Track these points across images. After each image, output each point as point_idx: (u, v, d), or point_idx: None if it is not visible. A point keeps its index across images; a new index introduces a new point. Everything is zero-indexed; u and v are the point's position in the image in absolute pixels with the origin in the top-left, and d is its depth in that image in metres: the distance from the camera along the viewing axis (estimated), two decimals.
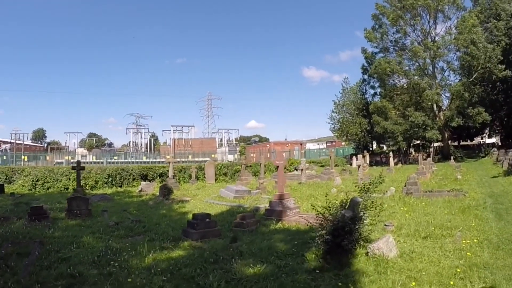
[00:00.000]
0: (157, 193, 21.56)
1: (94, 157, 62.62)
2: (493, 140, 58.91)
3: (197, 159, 53.75)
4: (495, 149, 39.13)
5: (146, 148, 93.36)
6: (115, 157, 62.02)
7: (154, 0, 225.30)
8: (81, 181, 25.16)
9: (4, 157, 53.97)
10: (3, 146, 76.96)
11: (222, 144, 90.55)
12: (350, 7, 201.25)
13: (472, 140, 58.17)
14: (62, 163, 48.22)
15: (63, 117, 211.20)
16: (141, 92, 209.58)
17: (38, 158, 56.19)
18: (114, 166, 32.20)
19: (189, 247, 9.08)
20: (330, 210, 8.15)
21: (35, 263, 7.37)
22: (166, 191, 20.41)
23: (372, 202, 9.05)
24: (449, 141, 46.56)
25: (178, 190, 23.94)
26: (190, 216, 12.64)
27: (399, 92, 44.01)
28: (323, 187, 21.51)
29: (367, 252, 7.36)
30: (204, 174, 31.09)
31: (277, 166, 14.93)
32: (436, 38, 41.22)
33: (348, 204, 8.38)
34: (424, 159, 33.70)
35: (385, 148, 52.15)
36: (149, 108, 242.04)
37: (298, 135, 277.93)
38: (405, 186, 16.22)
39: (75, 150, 79.13)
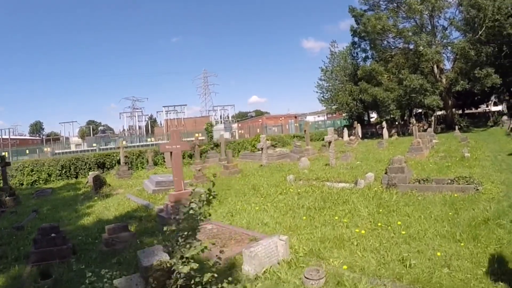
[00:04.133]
0: None
1: (94, 145, 58.04)
2: (498, 108, 51.32)
3: (189, 139, 48.15)
4: (506, 118, 32.75)
5: (146, 131, 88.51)
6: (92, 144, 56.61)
7: None
8: (35, 175, 23.97)
9: None
10: None
11: (219, 122, 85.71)
12: None
13: (477, 108, 50.83)
14: (60, 154, 44.33)
15: (64, 108, 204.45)
16: (138, 75, 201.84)
17: (34, 151, 50.92)
18: (69, 156, 27.50)
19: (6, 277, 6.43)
20: None
21: None
22: (98, 183, 16.31)
23: None
24: (453, 109, 39.44)
25: (128, 179, 20.33)
26: (86, 220, 10.85)
27: (393, 54, 36.52)
28: (284, 171, 15.81)
29: None
30: (164, 158, 25.64)
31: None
32: None
33: None
34: (424, 130, 27.83)
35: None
36: (147, 90, 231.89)
37: (301, 108, 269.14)
38: (385, 173, 10.41)
39: (67, 139, 74.23)
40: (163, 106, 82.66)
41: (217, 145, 27.49)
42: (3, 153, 47.00)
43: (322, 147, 23.55)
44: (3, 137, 68.69)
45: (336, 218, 7.60)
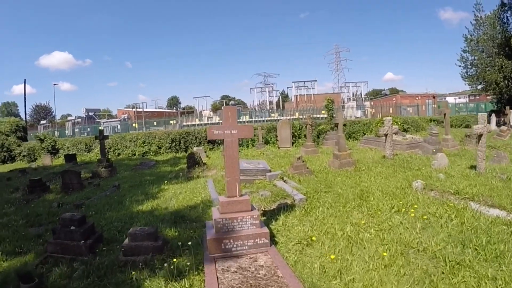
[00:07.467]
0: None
1: (218, 118, 59.11)
2: None
3: (317, 116, 44.56)
4: None
5: (276, 106, 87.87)
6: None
7: None
8: (146, 146, 24.35)
9: (119, 127, 52.36)
10: (122, 116, 77.43)
11: (351, 99, 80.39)
12: None
13: None
14: (194, 125, 46.63)
15: (200, 84, 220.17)
16: (269, 50, 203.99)
17: (167, 123, 53.89)
18: (180, 130, 27.24)
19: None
20: None
21: None
22: (191, 161, 15.03)
23: None
24: None
25: None
26: (145, 207, 9.07)
27: None
28: (412, 169, 11.21)
29: None
30: (277, 136, 22.57)
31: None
32: None
33: None
34: None
35: None
36: (279, 67, 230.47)
37: (440, 87, 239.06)
38: None
39: (200, 112, 76.66)
40: (292, 82, 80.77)
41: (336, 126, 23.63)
42: (134, 124, 50.17)
43: (465, 138, 17.92)
44: (138, 110, 74.27)
45: None
